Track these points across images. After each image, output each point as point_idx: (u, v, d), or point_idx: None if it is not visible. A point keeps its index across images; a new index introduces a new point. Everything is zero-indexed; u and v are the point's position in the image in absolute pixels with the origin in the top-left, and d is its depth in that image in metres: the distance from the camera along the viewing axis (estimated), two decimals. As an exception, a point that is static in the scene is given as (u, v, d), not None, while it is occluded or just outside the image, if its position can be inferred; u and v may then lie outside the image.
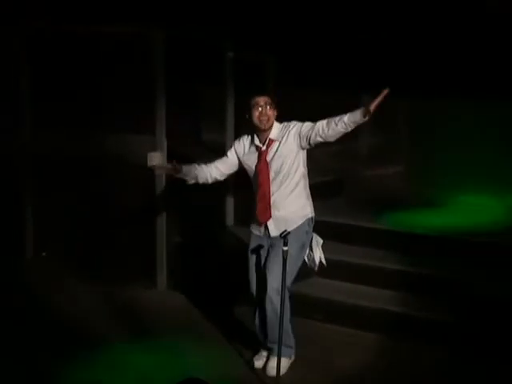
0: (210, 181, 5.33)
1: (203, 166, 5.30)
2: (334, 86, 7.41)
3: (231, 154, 5.25)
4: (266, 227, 5.14)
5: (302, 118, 5.10)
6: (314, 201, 5.25)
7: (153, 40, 6.71)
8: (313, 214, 5.19)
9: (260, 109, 4.99)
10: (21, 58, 7.44)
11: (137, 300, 6.51)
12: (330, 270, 5.54)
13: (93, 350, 5.45)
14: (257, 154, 5.11)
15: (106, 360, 5.33)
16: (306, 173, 5.17)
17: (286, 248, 4.84)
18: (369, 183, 7.77)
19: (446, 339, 5.56)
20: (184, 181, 5.30)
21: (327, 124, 4.89)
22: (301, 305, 5.60)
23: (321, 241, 5.22)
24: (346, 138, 5.05)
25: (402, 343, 5.59)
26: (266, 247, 5.19)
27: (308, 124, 4.99)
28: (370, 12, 7.67)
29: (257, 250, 5.21)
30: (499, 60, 7.20)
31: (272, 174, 5.04)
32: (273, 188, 5.06)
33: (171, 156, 6.72)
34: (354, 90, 7.18)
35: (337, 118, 4.86)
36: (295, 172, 5.05)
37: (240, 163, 5.24)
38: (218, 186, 5.57)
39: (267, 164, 5.04)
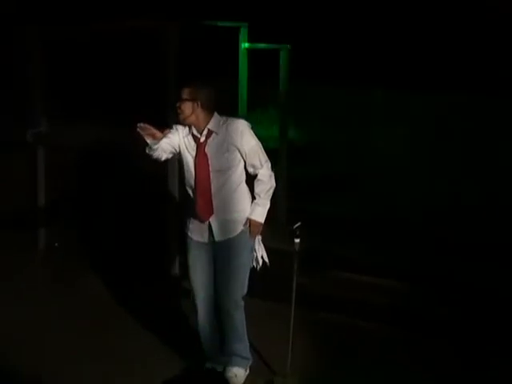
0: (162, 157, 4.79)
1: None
2: (347, 77, 7.38)
3: (174, 134, 4.73)
4: (211, 232, 4.76)
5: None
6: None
7: (166, 33, 6.57)
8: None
9: (179, 102, 4.68)
10: (36, 51, 7.42)
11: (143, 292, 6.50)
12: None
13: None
14: (195, 145, 4.70)
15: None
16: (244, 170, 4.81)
17: (297, 240, 4.81)
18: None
19: (445, 332, 5.57)
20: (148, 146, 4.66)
21: (256, 180, 4.75)
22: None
23: (259, 237, 4.83)
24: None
25: (407, 335, 5.60)
26: (210, 255, 4.82)
27: (250, 158, 4.68)
28: (373, 11, 7.62)
29: (199, 258, 4.83)
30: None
31: (212, 170, 4.64)
32: (213, 188, 4.66)
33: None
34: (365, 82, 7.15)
35: (256, 189, 4.74)
36: (236, 168, 4.68)
37: (179, 152, 4.77)
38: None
39: (206, 157, 4.65)
